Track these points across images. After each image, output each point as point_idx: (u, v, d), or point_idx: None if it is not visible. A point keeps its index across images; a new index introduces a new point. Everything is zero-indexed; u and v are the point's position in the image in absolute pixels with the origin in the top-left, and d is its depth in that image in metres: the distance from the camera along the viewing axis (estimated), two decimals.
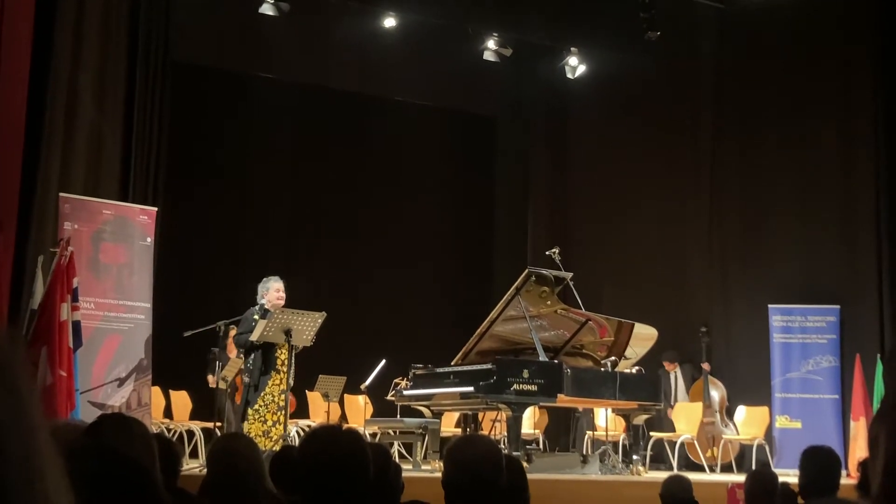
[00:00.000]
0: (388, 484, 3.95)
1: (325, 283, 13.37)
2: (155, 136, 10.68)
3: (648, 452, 10.96)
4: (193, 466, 8.09)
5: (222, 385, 8.86)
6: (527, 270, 9.23)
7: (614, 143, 13.91)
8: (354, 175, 14.10)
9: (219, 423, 8.77)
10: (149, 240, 9.58)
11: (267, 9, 11.61)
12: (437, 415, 9.51)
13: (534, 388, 8.57)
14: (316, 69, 13.46)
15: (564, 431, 12.90)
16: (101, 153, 10.16)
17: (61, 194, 9.08)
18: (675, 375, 12.09)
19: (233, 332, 8.69)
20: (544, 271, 9.35)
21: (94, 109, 10.01)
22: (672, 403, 11.83)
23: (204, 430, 10.56)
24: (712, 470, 11.02)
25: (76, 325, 8.23)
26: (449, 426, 11.14)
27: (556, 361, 9.11)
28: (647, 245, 13.38)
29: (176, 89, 11.18)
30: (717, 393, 11.76)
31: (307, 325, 8.08)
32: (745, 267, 12.58)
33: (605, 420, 10.85)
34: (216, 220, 13.07)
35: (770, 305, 11.80)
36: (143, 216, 9.62)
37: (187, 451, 10.48)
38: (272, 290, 8.35)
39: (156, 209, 9.90)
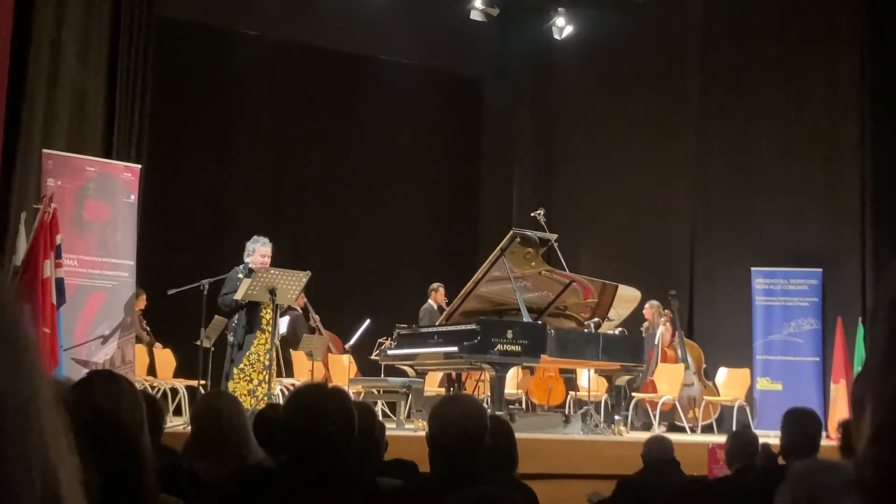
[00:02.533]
0: (373, 442, 3.97)
1: (310, 241, 13.35)
2: (139, 92, 10.59)
3: (630, 412, 11.04)
4: (177, 424, 8.11)
5: (206, 343, 8.87)
6: (512, 231, 9.24)
7: (600, 104, 13.88)
8: (339, 133, 14.03)
9: (202, 382, 8.79)
10: (132, 197, 9.53)
11: None
12: (421, 374, 9.55)
13: (517, 348, 8.60)
14: (301, 27, 13.36)
15: None
16: (85, 110, 10.08)
17: (44, 151, 9.00)
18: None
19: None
20: (529, 233, 9.36)
21: (77, 66, 9.91)
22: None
23: (188, 388, 10.57)
24: (693, 431, 11.11)
25: (59, 283, 8.20)
26: (433, 386, 11.20)
27: (539, 322, 9.15)
28: (631, 206, 13.40)
29: (160, 46, 11.07)
30: (692, 354, 11.82)
31: (292, 284, 8.08)
32: (729, 230, 12.60)
33: (588, 381, 10.92)
34: (200, 178, 13.00)
35: (753, 268, 11.85)
36: (126, 173, 9.56)
37: (171, 408, 10.49)
38: (258, 254, 8.32)
39: (139, 166, 9.84)
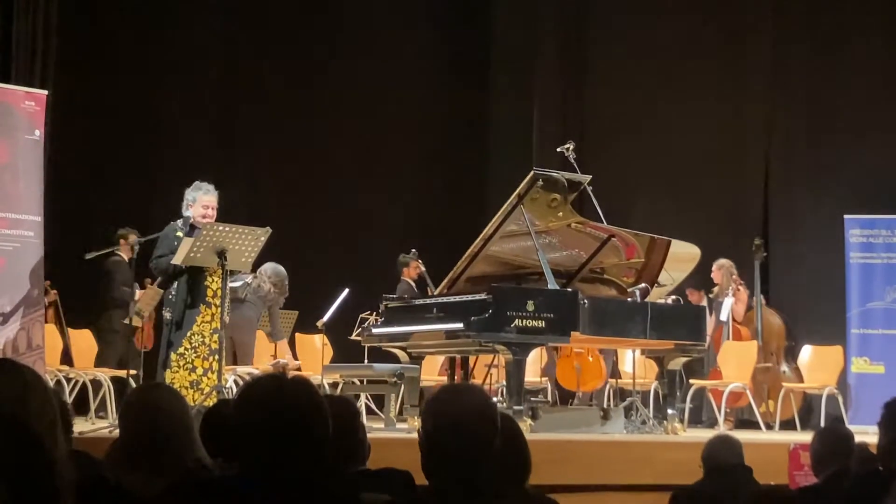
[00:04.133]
0: (354, 447, 3.99)
1: (269, 188, 13.34)
2: None
3: (687, 405, 11.08)
4: (101, 427, 8.15)
5: (136, 322, 8.90)
6: (532, 172, 9.21)
7: (649, 9, 13.81)
8: (309, 44, 13.96)
9: (133, 372, 8.82)
10: (37, 133, 9.51)
11: None
12: (417, 359, 9.58)
13: (540, 324, 8.61)
14: None
15: None
16: None
17: None
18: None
19: None
20: (554, 173, 9.34)
21: None
22: None
23: (114, 379, 10.61)
24: (769, 427, 11.16)
25: None
26: (431, 374, 11.24)
27: (569, 290, 9.15)
28: (687, 140, 13.37)
29: None
30: (771, 328, 11.84)
31: (247, 244, 8.08)
32: (814, 167, 12.60)
33: (633, 364, 10.95)
34: (125, 108, 12.96)
35: (846, 216, 11.83)
36: (28, 102, 9.53)
37: (93, 406, 10.55)
38: (199, 205, 8.31)
39: (45, 93, 9.81)
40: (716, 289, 11.86)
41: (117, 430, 3.69)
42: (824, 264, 12.09)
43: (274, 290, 10.03)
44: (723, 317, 11.73)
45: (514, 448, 3.35)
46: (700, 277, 11.29)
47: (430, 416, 3.06)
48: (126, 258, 10.54)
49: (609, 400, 11.46)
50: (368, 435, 4.17)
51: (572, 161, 10.00)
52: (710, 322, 11.28)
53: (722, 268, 11.75)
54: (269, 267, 9.97)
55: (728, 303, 11.71)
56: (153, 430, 3.29)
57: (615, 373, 11.47)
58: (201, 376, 8.04)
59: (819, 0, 12.73)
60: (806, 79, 12.79)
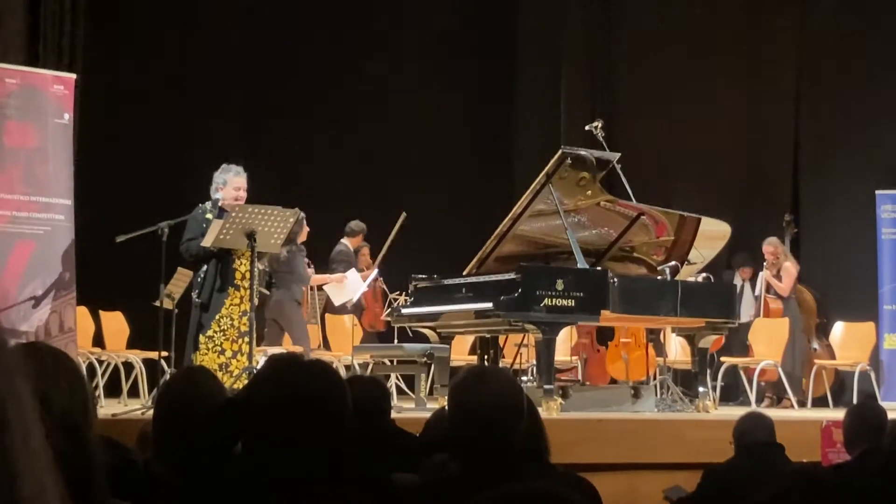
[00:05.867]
0: (385, 431, 4.01)
1: (297, 169, 13.36)
2: None
3: (719, 383, 11.06)
4: (134, 409, 8.19)
5: (167, 304, 8.92)
6: (560, 151, 9.20)
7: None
8: (337, 27, 13.96)
9: (164, 353, 8.86)
10: (67, 116, 9.54)
11: None
12: (446, 339, 9.60)
13: (570, 302, 8.61)
14: None
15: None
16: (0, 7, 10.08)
17: None
18: (744, 285, 12.06)
19: None
20: (583, 151, 9.32)
21: None
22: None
23: (146, 361, 10.67)
24: (801, 405, 11.13)
25: None
26: (461, 354, 11.25)
27: (598, 268, 9.14)
28: (716, 115, 13.32)
29: None
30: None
31: (276, 226, 8.08)
32: (843, 142, 12.54)
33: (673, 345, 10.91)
34: (154, 90, 12.99)
35: (878, 192, 11.78)
36: (57, 86, 9.56)
37: (125, 387, 10.62)
38: (231, 187, 8.32)
39: (74, 76, 9.83)
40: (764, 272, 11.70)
41: (150, 412, 3.70)
42: (855, 240, 12.04)
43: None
44: (756, 292, 11.68)
45: (530, 425, 3.34)
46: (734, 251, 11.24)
47: (454, 403, 3.06)
48: None
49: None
50: (398, 415, 4.18)
51: (601, 139, 9.98)
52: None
53: (777, 247, 11.59)
54: None
55: (761, 277, 11.66)
56: (188, 413, 3.30)
57: (662, 353, 11.38)
58: (230, 359, 8.06)
59: None
60: (836, 54, 12.72)
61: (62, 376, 2.60)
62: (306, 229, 9.96)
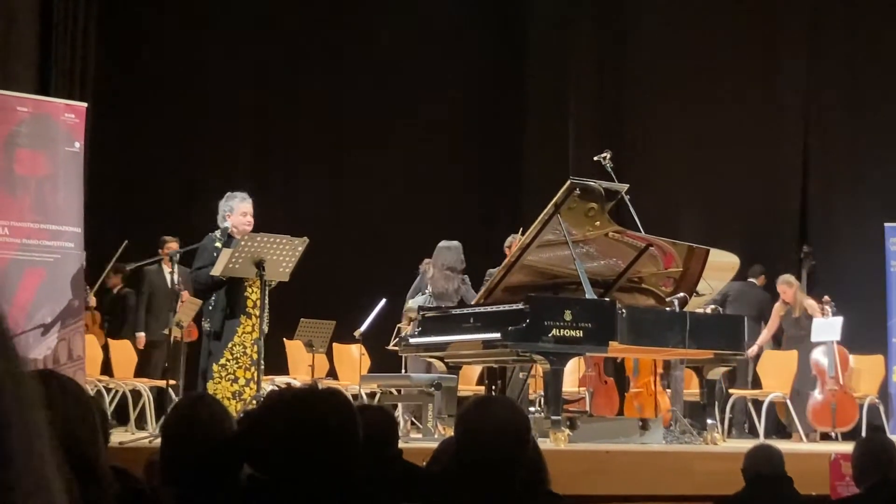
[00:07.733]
0: (391, 460, 4.00)
1: (305, 197, 13.38)
2: (81, 11, 10.62)
3: (727, 415, 11.02)
4: (142, 437, 8.19)
5: (176, 333, 8.93)
6: (569, 181, 9.20)
7: (688, 12, 13.78)
8: (339, 52, 13.99)
9: (173, 382, 8.86)
10: (77, 145, 9.57)
11: None
12: (454, 369, 9.58)
13: (578, 333, 8.60)
14: None
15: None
16: (12, 34, 10.12)
17: None
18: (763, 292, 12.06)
19: None
20: (592, 182, 9.33)
21: None
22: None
23: (153, 389, 10.67)
24: (810, 438, 11.09)
25: None
26: (469, 384, 11.22)
27: (606, 299, 9.13)
28: (725, 147, 13.34)
29: None
30: None
31: (285, 254, 8.10)
32: (853, 176, 12.54)
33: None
34: (163, 119, 13.04)
35: (887, 224, 11.77)
36: (68, 114, 9.60)
37: (133, 416, 10.61)
38: (238, 213, 8.34)
39: (85, 105, 9.87)
40: (782, 308, 11.64)
41: (157, 441, 3.69)
42: (865, 272, 12.02)
43: (434, 269, 10.17)
44: (834, 336, 11.41)
45: (533, 456, 3.34)
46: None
47: (460, 431, 3.07)
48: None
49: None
50: (407, 445, 4.18)
51: (609, 170, 9.99)
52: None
53: (792, 285, 11.55)
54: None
55: (774, 311, 11.64)
56: (196, 441, 3.30)
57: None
58: (243, 386, 8.07)
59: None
60: (844, 85, 12.74)
61: (73, 404, 2.61)
62: None
